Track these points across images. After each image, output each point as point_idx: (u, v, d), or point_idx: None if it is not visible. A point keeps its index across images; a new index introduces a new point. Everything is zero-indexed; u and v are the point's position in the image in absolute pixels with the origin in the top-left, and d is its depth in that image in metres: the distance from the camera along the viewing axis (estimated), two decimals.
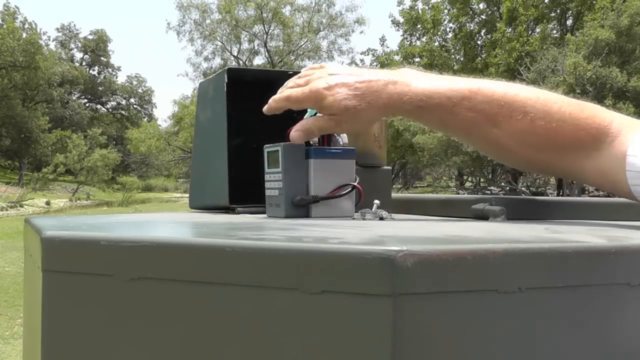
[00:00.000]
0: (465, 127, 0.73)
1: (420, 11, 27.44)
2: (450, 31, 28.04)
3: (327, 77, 0.75)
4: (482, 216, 0.79)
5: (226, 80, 0.94)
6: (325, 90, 0.74)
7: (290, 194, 0.78)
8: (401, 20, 27.73)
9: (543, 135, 0.71)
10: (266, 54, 34.74)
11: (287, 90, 0.78)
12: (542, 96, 0.72)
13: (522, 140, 0.72)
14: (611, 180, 0.70)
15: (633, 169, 0.66)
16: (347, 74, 0.75)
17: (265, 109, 0.80)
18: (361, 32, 67.83)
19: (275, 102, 0.79)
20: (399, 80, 0.73)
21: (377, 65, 27.19)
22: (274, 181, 0.80)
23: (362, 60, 29.96)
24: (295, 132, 0.76)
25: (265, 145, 0.82)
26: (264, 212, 0.84)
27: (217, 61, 35.07)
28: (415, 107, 0.72)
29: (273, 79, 1.04)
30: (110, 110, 52.66)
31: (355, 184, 0.80)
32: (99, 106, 52.24)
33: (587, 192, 14.02)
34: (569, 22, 25.15)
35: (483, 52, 26.86)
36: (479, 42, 27.77)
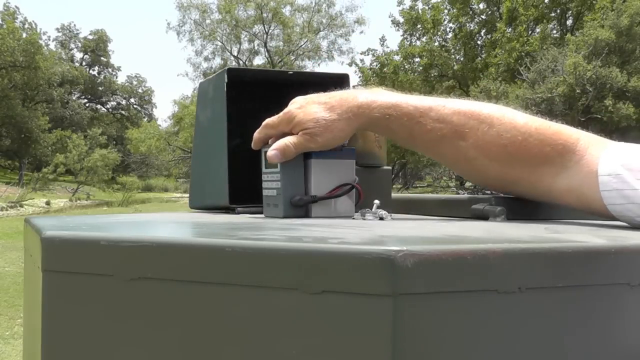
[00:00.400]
0: (433, 138, 0.74)
1: (420, 11, 27.45)
2: (450, 31, 28.06)
3: (299, 100, 0.78)
4: (482, 216, 0.79)
5: (226, 80, 0.94)
6: (297, 109, 0.77)
7: (288, 194, 0.78)
8: (401, 20, 27.74)
9: (509, 148, 0.71)
10: (266, 54, 34.76)
11: (266, 120, 0.81)
12: (509, 112, 0.73)
13: (488, 153, 0.72)
14: (582, 198, 0.70)
15: (607, 188, 0.66)
16: (319, 95, 0.77)
17: (252, 145, 0.82)
18: (361, 32, 67.82)
19: (257, 133, 0.82)
20: (369, 93, 0.76)
21: (377, 65, 27.23)
22: (271, 181, 0.80)
23: (362, 61, 29.97)
24: (272, 152, 0.77)
25: (264, 145, 0.82)
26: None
27: (217, 61, 35.11)
28: (384, 115, 0.74)
29: (273, 79, 1.04)
30: (110, 110, 52.68)
31: (355, 184, 0.80)
32: (99, 106, 52.25)
33: None
34: (569, 22, 25.17)
35: (483, 52, 26.88)
36: (479, 42, 27.78)
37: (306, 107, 0.77)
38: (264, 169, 0.82)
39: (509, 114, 0.73)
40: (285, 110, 0.79)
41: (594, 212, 0.70)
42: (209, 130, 1.03)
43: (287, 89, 0.89)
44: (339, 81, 0.96)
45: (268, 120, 0.80)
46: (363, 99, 0.75)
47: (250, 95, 1.02)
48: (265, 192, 0.82)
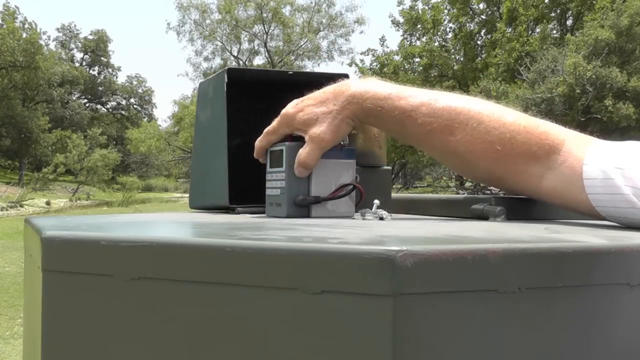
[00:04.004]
0: (423, 132, 0.74)
1: (420, 11, 27.43)
2: (450, 31, 28.05)
3: (294, 101, 0.79)
4: (482, 216, 0.79)
5: (226, 80, 0.94)
6: (293, 110, 0.78)
7: (292, 193, 0.78)
8: (401, 20, 27.72)
9: (496, 145, 0.72)
10: (266, 54, 34.75)
11: (266, 129, 0.82)
12: (498, 109, 0.74)
13: (475, 150, 0.73)
14: (569, 197, 0.70)
15: (589, 176, 0.67)
16: (313, 93, 0.78)
17: (255, 154, 0.84)
18: (361, 32, 67.78)
19: (259, 142, 0.83)
20: (362, 83, 0.77)
21: (377, 66, 27.21)
22: (276, 180, 0.80)
23: (362, 61, 29.95)
24: (298, 170, 0.78)
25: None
26: (264, 212, 0.85)
27: (217, 61, 35.10)
28: (376, 107, 0.75)
29: (273, 79, 1.04)
30: (110, 110, 52.66)
31: (356, 184, 0.80)
32: (99, 106, 52.24)
33: None
34: (569, 22, 25.16)
35: (483, 52, 26.87)
36: (479, 42, 27.78)
37: (301, 106, 0.78)
38: (268, 169, 0.82)
39: (499, 112, 0.73)
40: (282, 112, 0.79)
41: (581, 213, 0.71)
42: (209, 130, 1.03)
43: (287, 89, 0.90)
44: (339, 81, 0.96)
45: (268, 128, 0.81)
46: (356, 89, 0.76)
47: (250, 95, 1.02)
48: (268, 192, 0.82)
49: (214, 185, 0.98)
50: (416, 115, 0.74)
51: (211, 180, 1.00)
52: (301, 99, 0.79)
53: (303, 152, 0.77)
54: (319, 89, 0.80)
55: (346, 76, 0.99)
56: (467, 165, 0.76)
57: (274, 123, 0.81)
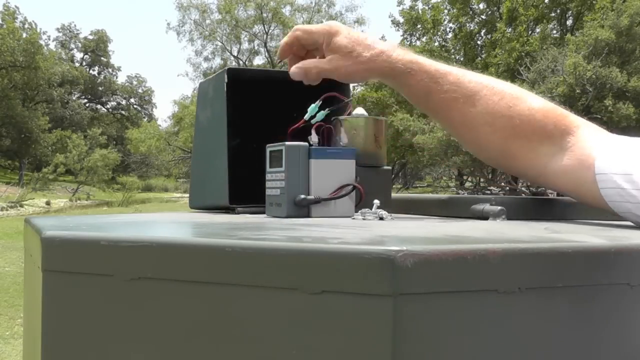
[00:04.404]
0: (446, 99, 0.77)
1: (420, 11, 27.43)
2: (450, 31, 28.05)
3: (342, 26, 0.81)
4: (482, 216, 0.79)
5: (226, 80, 0.94)
6: (342, 28, 0.80)
7: (292, 193, 0.78)
8: (401, 20, 27.72)
9: (515, 120, 0.74)
10: (266, 54, 34.74)
11: (301, 26, 0.84)
12: (521, 91, 0.77)
13: (494, 122, 0.75)
14: (574, 180, 0.71)
15: (601, 171, 0.68)
16: (357, 32, 0.81)
17: (279, 52, 0.85)
18: (361, 32, 67.75)
19: (287, 37, 0.83)
20: (399, 47, 0.80)
21: None
22: (275, 180, 0.80)
23: None
24: (295, 68, 0.81)
25: (268, 145, 0.82)
26: (264, 212, 0.84)
27: (217, 61, 35.08)
28: (406, 68, 0.77)
29: (273, 79, 1.04)
30: (110, 110, 52.65)
31: (356, 184, 0.80)
32: (99, 106, 52.23)
33: None
34: (569, 22, 25.16)
35: (483, 52, 26.86)
36: (479, 42, 27.77)
37: (350, 31, 0.80)
38: (268, 168, 0.82)
39: (521, 92, 0.77)
40: (329, 22, 0.82)
41: (581, 196, 0.73)
42: (209, 130, 1.03)
43: (287, 89, 0.89)
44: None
45: (305, 26, 0.83)
46: (391, 50, 0.78)
47: (250, 95, 1.02)
48: (268, 192, 0.82)
49: (214, 185, 0.98)
50: (442, 82, 0.76)
51: (211, 180, 1.00)
52: (347, 28, 0.81)
53: (314, 62, 0.80)
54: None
55: None
56: (481, 140, 0.78)
57: (314, 26, 0.82)
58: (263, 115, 0.98)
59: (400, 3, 27.96)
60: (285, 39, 0.83)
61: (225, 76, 0.94)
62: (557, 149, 0.73)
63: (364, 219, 0.76)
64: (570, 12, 24.73)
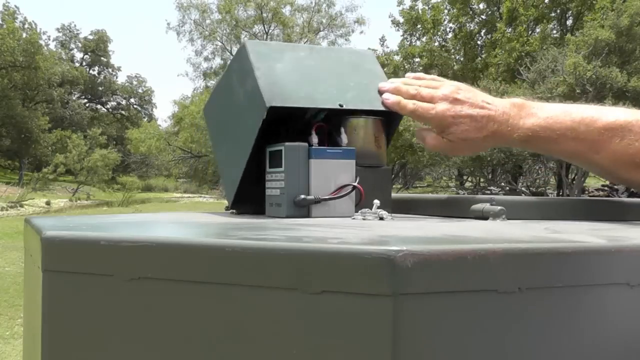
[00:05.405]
0: (569, 154, 0.82)
1: (420, 11, 27.41)
2: (450, 31, 28.04)
3: (452, 101, 0.82)
4: (482, 216, 0.79)
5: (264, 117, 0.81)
6: (452, 119, 0.81)
7: (292, 193, 0.78)
8: (401, 20, 27.70)
9: (636, 157, 0.78)
10: None
11: (413, 104, 0.83)
12: (631, 119, 0.79)
13: (618, 163, 0.79)
14: None
15: None
16: (469, 103, 0.81)
17: (387, 103, 0.86)
18: (361, 32, 67.70)
19: (400, 107, 0.85)
20: (512, 114, 0.81)
21: None
22: (275, 180, 0.80)
23: None
24: (393, 98, 0.84)
25: (268, 145, 0.82)
26: (264, 212, 0.84)
27: (217, 61, 35.06)
28: (523, 141, 0.81)
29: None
30: (110, 110, 52.63)
31: (356, 184, 0.80)
32: (99, 106, 52.20)
33: (586, 192, 14.01)
34: (569, 22, 25.14)
35: (483, 52, 26.85)
36: (479, 42, 27.76)
37: (459, 120, 0.81)
38: (267, 169, 0.82)
39: (632, 122, 0.79)
40: (439, 109, 0.82)
41: None
42: (234, 130, 0.92)
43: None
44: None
45: (418, 109, 0.83)
46: (505, 126, 0.81)
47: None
48: (268, 192, 0.82)
49: (227, 183, 0.93)
50: (562, 141, 0.80)
51: (227, 178, 0.94)
52: (458, 102, 0.81)
53: (436, 141, 0.84)
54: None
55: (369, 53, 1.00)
56: (609, 174, 0.83)
57: (427, 113, 0.82)
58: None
59: (400, 3, 27.94)
60: (398, 107, 0.85)
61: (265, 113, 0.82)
62: None
63: (364, 219, 0.76)
64: (570, 12, 24.72)
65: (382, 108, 0.86)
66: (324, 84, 0.86)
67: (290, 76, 0.84)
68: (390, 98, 0.85)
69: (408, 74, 0.92)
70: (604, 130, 0.78)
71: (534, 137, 0.81)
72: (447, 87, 0.84)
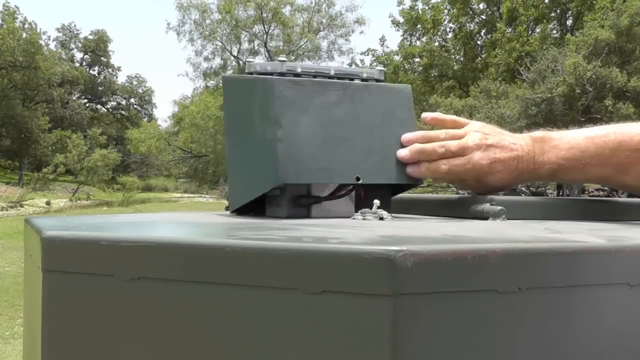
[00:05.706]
0: (598, 180, 0.83)
1: (420, 11, 27.44)
2: (450, 31, 28.06)
3: (485, 149, 0.80)
4: (482, 216, 0.79)
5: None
6: (486, 168, 0.80)
7: (292, 193, 0.78)
8: (401, 20, 27.72)
9: None
10: (266, 54, 34.71)
11: (445, 164, 0.81)
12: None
13: None
14: None
15: None
16: (500, 147, 0.80)
17: (415, 175, 0.81)
18: (361, 32, 67.44)
19: (431, 172, 0.81)
20: (536, 151, 0.80)
21: (376, 65, 27.21)
22: None
23: (362, 61, 29.95)
24: (422, 167, 0.80)
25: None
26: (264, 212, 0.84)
27: (217, 61, 35.07)
28: (550, 175, 0.82)
29: None
30: (110, 110, 52.63)
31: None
32: (99, 106, 52.20)
33: (586, 192, 14.01)
34: (569, 22, 25.16)
35: (483, 52, 26.88)
36: (479, 42, 27.78)
37: (494, 168, 0.80)
38: None
39: None
40: (474, 161, 0.80)
41: None
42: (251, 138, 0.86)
43: None
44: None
45: (452, 168, 0.81)
46: (531, 164, 0.81)
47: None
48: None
49: (234, 188, 0.90)
50: (588, 169, 0.80)
51: (234, 182, 0.91)
52: (490, 147, 0.80)
53: (448, 163, 0.81)
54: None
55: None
56: (638, 190, 0.83)
57: (461, 168, 0.81)
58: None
59: (400, 3, 27.96)
60: (432, 170, 0.81)
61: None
62: None
63: (363, 219, 0.76)
64: (570, 12, 24.74)
65: (402, 181, 0.81)
66: (346, 148, 0.79)
67: (312, 139, 0.77)
68: (415, 171, 0.80)
69: (424, 115, 0.88)
70: (629, 152, 0.78)
71: (560, 170, 0.80)
72: (474, 133, 0.81)
